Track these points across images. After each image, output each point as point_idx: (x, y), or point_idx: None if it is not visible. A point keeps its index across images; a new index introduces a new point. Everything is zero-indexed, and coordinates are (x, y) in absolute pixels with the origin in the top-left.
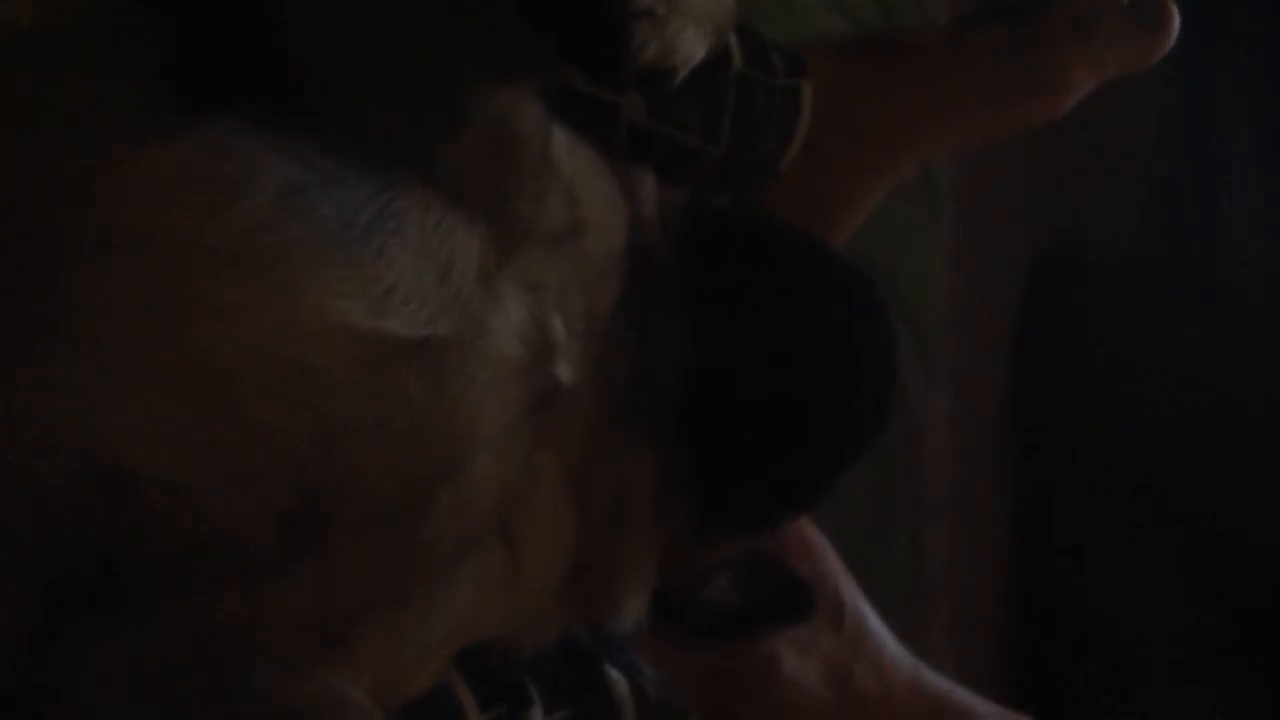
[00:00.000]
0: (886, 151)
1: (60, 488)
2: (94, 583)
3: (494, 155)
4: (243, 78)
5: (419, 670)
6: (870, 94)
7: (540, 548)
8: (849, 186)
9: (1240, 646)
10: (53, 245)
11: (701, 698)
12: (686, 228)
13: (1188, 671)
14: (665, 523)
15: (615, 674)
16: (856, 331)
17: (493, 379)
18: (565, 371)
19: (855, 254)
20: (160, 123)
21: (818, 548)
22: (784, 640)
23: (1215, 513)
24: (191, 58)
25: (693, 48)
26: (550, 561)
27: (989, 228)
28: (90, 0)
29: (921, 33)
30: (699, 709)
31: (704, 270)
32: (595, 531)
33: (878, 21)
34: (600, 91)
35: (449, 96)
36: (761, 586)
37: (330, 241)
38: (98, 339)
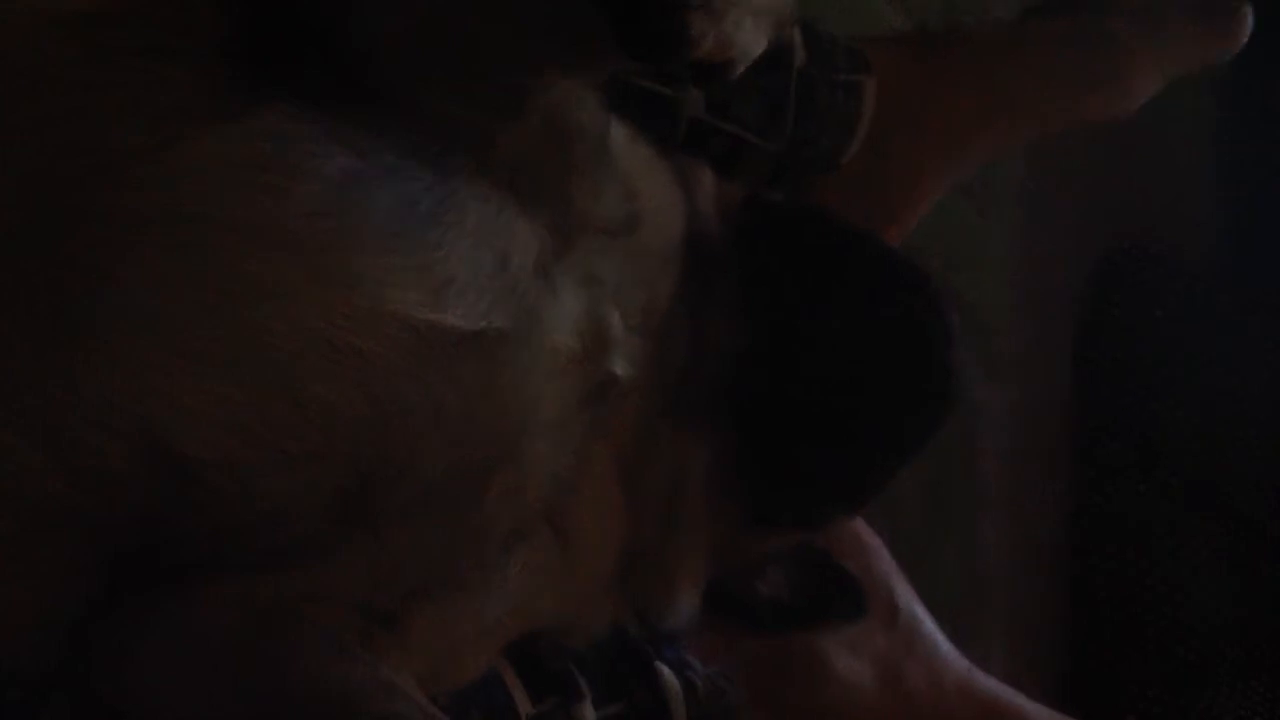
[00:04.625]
0: (948, 146)
1: (120, 464)
2: (152, 558)
3: (551, 147)
4: (301, 61)
5: (469, 658)
6: (932, 89)
7: (590, 538)
8: (911, 181)
9: None
10: (114, 222)
11: (750, 692)
12: (746, 220)
13: (1247, 669)
14: (718, 514)
15: (665, 668)
16: (916, 325)
17: (548, 371)
18: (621, 366)
19: (919, 248)
20: (220, 105)
21: (871, 546)
22: (835, 638)
23: (1276, 512)
24: (249, 39)
25: (751, 41)
26: (601, 552)
27: (1054, 225)
28: None
29: (983, 26)
30: (747, 704)
31: (762, 262)
32: (648, 523)
33: (940, 17)
34: (660, 87)
35: (507, 86)
36: (814, 583)
37: (388, 230)
38: (157, 316)
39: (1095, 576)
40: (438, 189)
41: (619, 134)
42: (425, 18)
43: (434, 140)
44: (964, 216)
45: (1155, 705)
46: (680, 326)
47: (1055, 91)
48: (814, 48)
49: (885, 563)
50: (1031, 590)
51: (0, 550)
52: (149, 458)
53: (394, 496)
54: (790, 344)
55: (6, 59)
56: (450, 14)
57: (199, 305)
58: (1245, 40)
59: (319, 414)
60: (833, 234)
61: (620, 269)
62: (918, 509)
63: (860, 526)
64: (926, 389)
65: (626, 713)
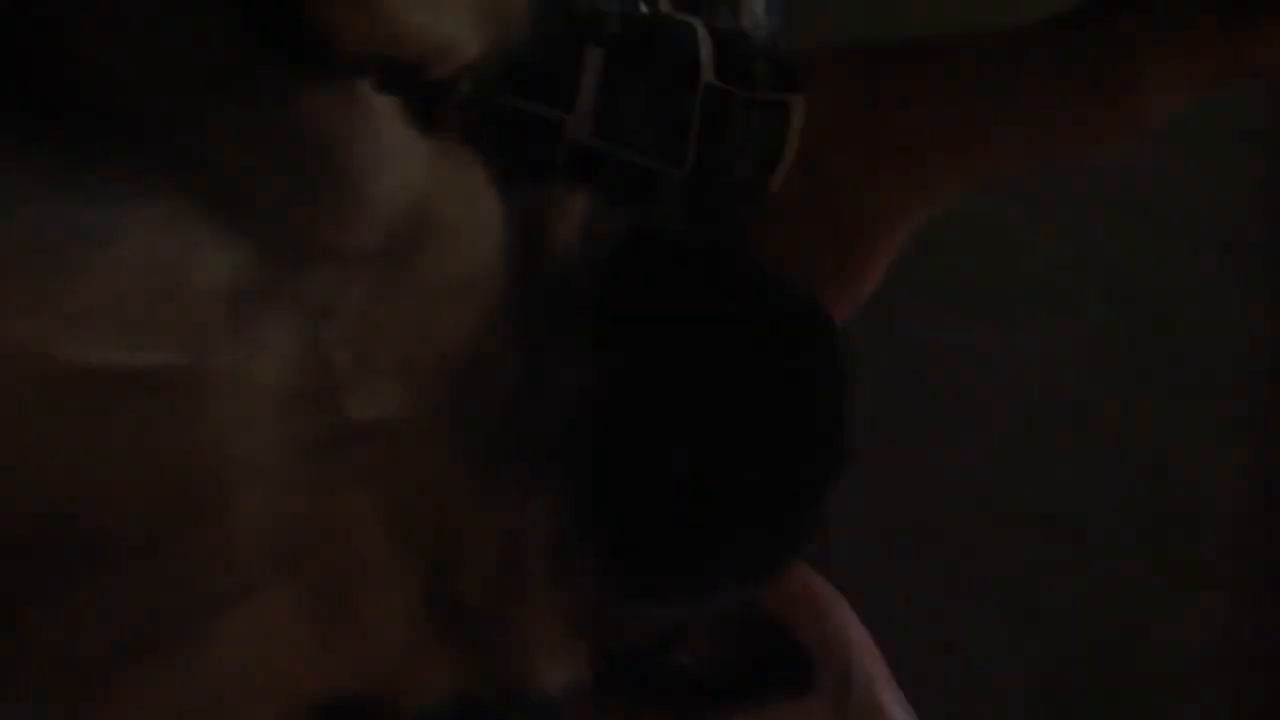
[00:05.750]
0: (914, 172)
1: None
2: None
3: (286, 165)
4: None
5: None
6: (891, 106)
7: (362, 598)
8: (870, 213)
9: None
10: None
11: None
12: (617, 252)
13: None
14: (568, 580)
15: None
16: (803, 372)
17: (249, 413)
18: (360, 408)
19: (1153, 299)
20: None
21: (828, 606)
22: (755, 716)
23: None
24: None
25: (436, 35)
26: (385, 612)
27: None
28: None
29: (962, 37)
30: None
31: (628, 295)
32: (470, 583)
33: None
34: (539, 107)
35: (233, 93)
36: (748, 650)
37: (21, 254)
38: None
39: None
40: (114, 207)
41: (417, 151)
42: (147, 24)
43: (152, 156)
44: (1199, 268)
45: None
46: (504, 366)
47: (1056, 107)
48: (728, 61)
49: (845, 629)
50: (1260, 662)
51: None
52: None
53: (77, 546)
54: (642, 385)
55: None
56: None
57: None
58: None
59: None
60: (721, 265)
61: (370, 300)
62: (1132, 570)
63: (817, 582)
64: (811, 447)
65: None
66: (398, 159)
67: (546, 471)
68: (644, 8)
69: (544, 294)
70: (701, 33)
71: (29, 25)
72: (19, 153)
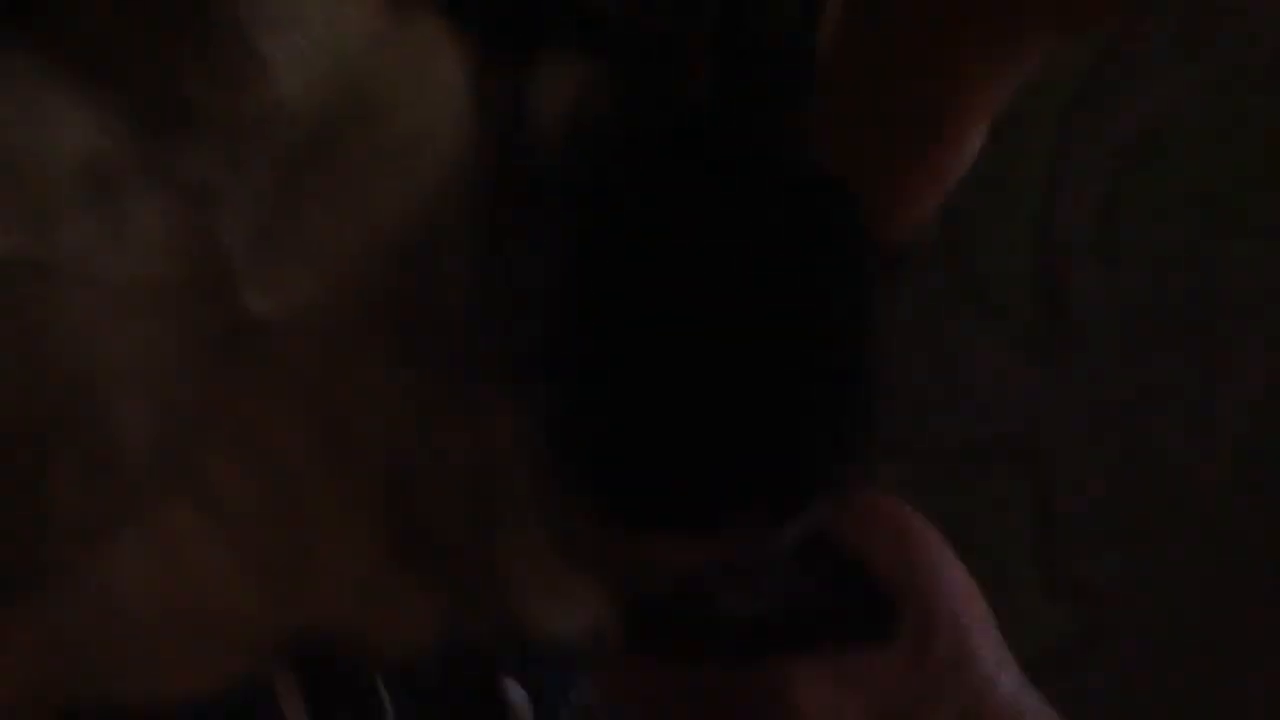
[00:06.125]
0: (995, 14)
1: None
2: None
3: (156, 16)
4: None
5: (148, 663)
6: None
7: (300, 524)
8: (944, 74)
9: None
10: None
11: None
12: (611, 129)
13: None
14: (553, 507)
15: (517, 694)
16: (817, 223)
17: (119, 308)
18: (257, 297)
19: None
20: None
21: (915, 535)
22: (819, 666)
23: None
24: None
25: None
26: (335, 541)
27: None
28: None
29: None
30: None
31: (611, 183)
32: (441, 511)
33: None
34: None
35: None
36: (815, 589)
37: None
38: None
39: None
40: None
41: (346, 9)
42: None
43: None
44: None
45: None
46: (451, 253)
47: None
48: None
49: (938, 567)
50: None
51: None
52: None
53: None
54: (637, 283)
55: None
56: None
57: None
58: None
59: None
60: (739, 149)
61: (275, 177)
62: None
63: (906, 513)
64: (830, 372)
65: None
66: (315, 8)
67: (516, 378)
68: None
69: (514, 175)
70: None
71: None
72: None
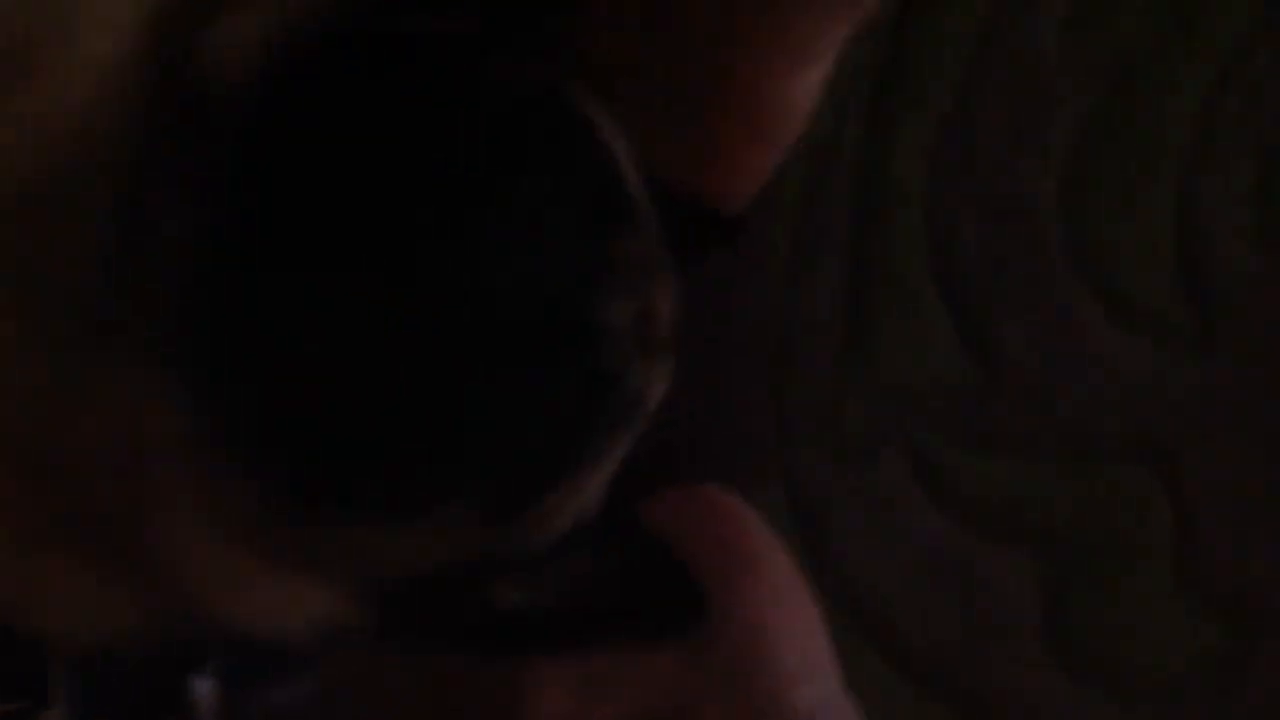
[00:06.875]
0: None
1: None
2: None
3: None
4: None
5: None
6: None
7: None
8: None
9: None
10: None
11: None
12: (292, 64)
13: None
14: (215, 491)
15: (204, 690)
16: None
17: None
18: None
19: None
20: None
21: (732, 522)
22: (558, 667)
23: None
24: None
25: None
26: None
27: None
28: None
29: None
30: None
31: (285, 125)
32: (97, 495)
33: None
34: None
35: None
36: (608, 578)
37: None
38: None
39: None
40: None
41: None
42: None
43: None
44: None
45: None
46: (93, 208)
47: None
48: None
49: (756, 561)
50: None
51: None
52: None
53: None
54: (295, 239)
55: None
56: None
57: None
58: None
59: None
60: (453, 81)
61: None
62: None
63: (730, 501)
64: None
65: None
66: None
67: (162, 348)
68: None
69: (175, 121)
70: None
71: None
72: None
